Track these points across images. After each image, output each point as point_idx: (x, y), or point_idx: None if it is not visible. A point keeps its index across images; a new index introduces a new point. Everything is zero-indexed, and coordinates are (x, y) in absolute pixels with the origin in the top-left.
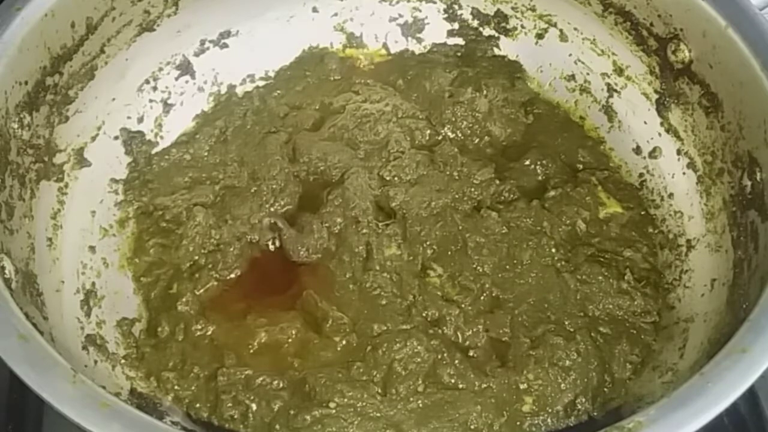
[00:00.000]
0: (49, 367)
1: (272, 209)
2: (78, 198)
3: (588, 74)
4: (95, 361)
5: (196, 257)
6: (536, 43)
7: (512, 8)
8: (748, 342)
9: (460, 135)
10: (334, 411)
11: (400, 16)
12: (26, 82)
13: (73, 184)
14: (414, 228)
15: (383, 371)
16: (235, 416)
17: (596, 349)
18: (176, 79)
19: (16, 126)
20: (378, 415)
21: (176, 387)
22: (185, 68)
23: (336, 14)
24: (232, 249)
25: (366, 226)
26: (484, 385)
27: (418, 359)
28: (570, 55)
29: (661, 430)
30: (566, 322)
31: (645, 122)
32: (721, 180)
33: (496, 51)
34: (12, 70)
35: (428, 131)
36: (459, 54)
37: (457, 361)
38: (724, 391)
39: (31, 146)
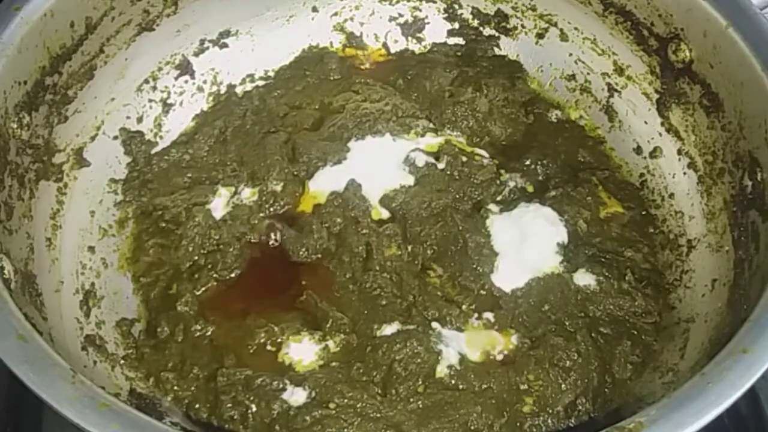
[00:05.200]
0: (48, 367)
1: (272, 209)
2: (77, 198)
3: (588, 74)
4: (94, 362)
5: (196, 257)
6: (536, 42)
7: (512, 8)
8: (748, 342)
9: (460, 135)
10: (334, 411)
11: (400, 15)
12: (25, 82)
13: (73, 184)
14: (414, 228)
15: (383, 372)
16: (235, 417)
17: (597, 350)
18: (176, 78)
19: (15, 126)
20: (378, 415)
21: (176, 387)
22: (185, 68)
23: (336, 14)
24: (231, 249)
25: (366, 227)
26: (484, 386)
27: (418, 360)
28: (570, 54)
29: (662, 431)
30: (567, 323)
31: (645, 122)
32: (722, 180)
33: (497, 51)
34: (11, 70)
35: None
36: (459, 54)
37: (457, 361)
38: (725, 392)
39: (30, 146)
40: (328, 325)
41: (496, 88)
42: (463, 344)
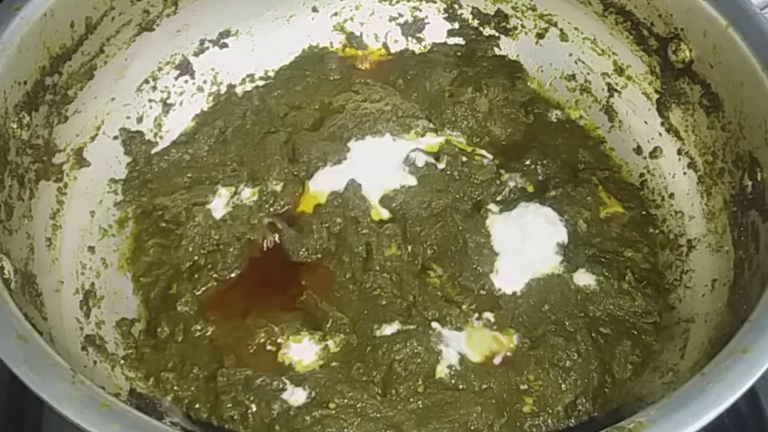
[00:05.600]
0: (48, 367)
1: (272, 209)
2: (77, 198)
3: (588, 74)
4: (94, 362)
5: (196, 257)
6: (536, 42)
7: (512, 8)
8: (748, 342)
9: (460, 135)
10: (334, 411)
11: (400, 15)
12: (25, 82)
13: (73, 184)
14: (414, 228)
15: (383, 372)
16: (235, 417)
17: (597, 350)
18: (176, 78)
19: (15, 126)
20: (378, 415)
21: (176, 387)
22: (185, 68)
23: (336, 14)
24: (231, 249)
25: (366, 227)
26: (484, 386)
27: (418, 360)
28: (570, 54)
29: (662, 431)
30: (567, 323)
31: (645, 122)
32: (722, 180)
33: (497, 51)
34: (11, 70)
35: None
36: (459, 54)
37: (457, 361)
38: (725, 392)
39: (30, 146)
40: (328, 325)
41: (496, 88)
42: (463, 344)
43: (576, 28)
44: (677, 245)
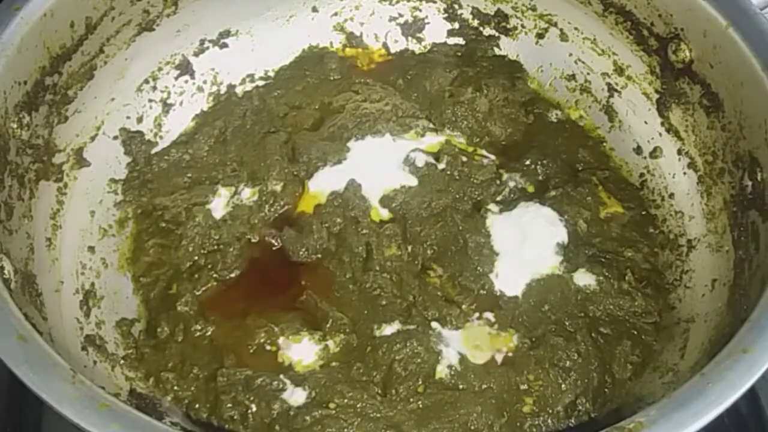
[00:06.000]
0: (48, 367)
1: (272, 209)
2: (77, 198)
3: (588, 74)
4: (94, 362)
5: (196, 257)
6: (536, 42)
7: (512, 8)
8: (748, 342)
9: (460, 135)
10: (334, 411)
11: (400, 15)
12: (25, 82)
13: (73, 184)
14: (414, 228)
15: (383, 372)
16: (235, 417)
17: (597, 350)
18: (176, 78)
19: (15, 126)
20: (378, 415)
21: (176, 387)
22: (185, 68)
23: (336, 14)
24: (231, 249)
25: (366, 227)
26: (484, 386)
27: (418, 360)
28: (570, 54)
29: (662, 431)
30: (567, 323)
31: (645, 122)
32: (722, 180)
33: (497, 51)
34: (11, 70)
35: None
36: (459, 54)
37: (457, 361)
38: (725, 392)
39: (30, 146)
40: (328, 325)
41: (496, 88)
42: (463, 344)
43: (576, 28)
44: (677, 245)
